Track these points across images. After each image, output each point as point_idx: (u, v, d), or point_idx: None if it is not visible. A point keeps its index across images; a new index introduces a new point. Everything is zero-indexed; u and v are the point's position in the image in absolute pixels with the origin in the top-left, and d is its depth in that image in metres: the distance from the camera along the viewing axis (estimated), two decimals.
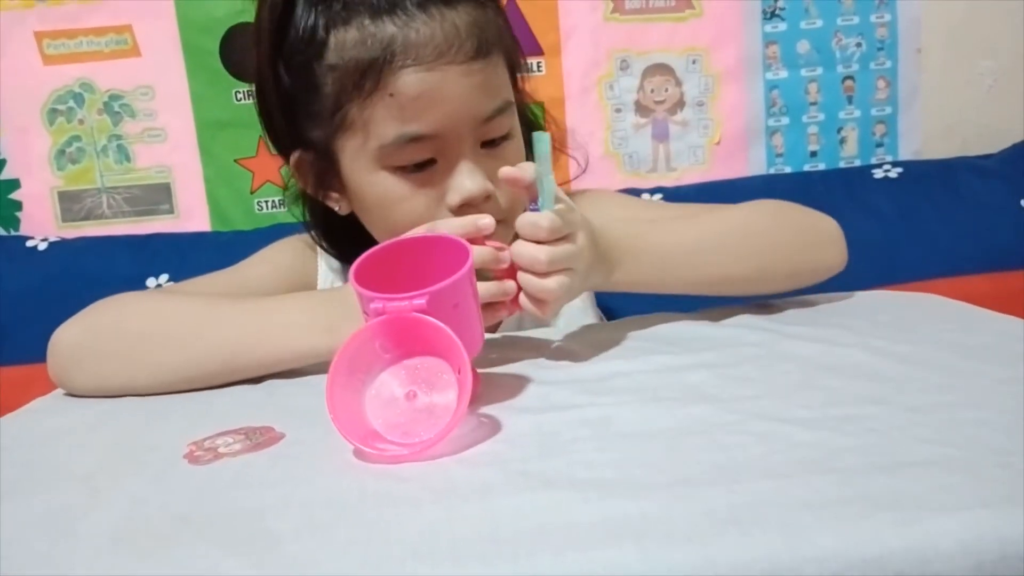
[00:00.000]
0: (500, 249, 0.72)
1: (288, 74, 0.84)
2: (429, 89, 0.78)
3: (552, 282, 0.70)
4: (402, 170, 0.82)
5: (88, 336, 0.81)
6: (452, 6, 0.80)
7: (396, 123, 0.80)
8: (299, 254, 0.99)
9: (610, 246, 0.78)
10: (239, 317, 0.80)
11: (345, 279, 0.97)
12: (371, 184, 0.84)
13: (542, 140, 0.70)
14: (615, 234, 0.79)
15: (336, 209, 0.90)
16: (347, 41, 0.79)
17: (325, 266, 0.99)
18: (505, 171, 0.74)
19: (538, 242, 0.70)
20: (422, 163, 0.82)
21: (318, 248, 0.98)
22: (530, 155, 0.87)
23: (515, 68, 0.90)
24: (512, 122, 0.86)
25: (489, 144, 0.84)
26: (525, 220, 0.71)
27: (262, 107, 0.89)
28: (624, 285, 0.81)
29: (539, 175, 0.70)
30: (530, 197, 0.73)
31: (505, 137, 0.85)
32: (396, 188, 0.83)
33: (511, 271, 0.72)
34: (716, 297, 0.88)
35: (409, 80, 0.78)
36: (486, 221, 0.72)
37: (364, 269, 0.64)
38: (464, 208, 0.81)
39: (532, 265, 0.70)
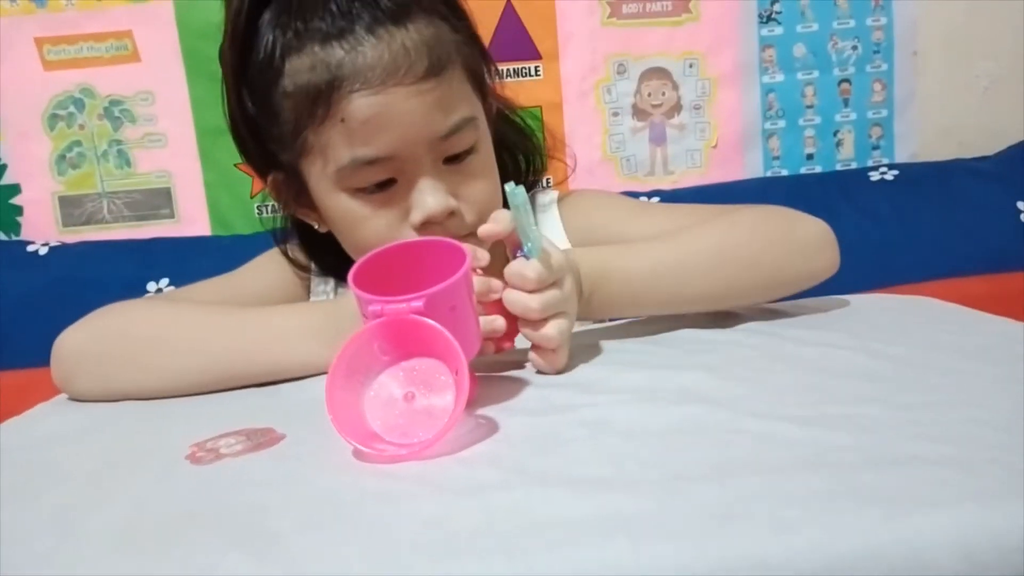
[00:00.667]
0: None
1: (251, 100, 0.85)
2: (378, 113, 0.78)
3: (551, 329, 0.71)
4: (362, 191, 0.82)
5: (93, 341, 0.82)
6: (402, 26, 0.79)
7: (349, 148, 0.80)
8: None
9: (582, 278, 0.77)
10: (241, 325, 0.81)
11: (337, 286, 0.98)
12: (334, 206, 0.84)
13: (516, 195, 0.69)
14: (586, 264, 0.78)
15: (316, 227, 0.91)
16: (300, 68, 0.80)
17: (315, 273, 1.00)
18: (483, 230, 0.73)
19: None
20: (383, 183, 0.82)
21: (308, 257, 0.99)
22: (505, 177, 0.87)
23: (481, 79, 0.89)
24: (476, 136, 0.85)
25: (453, 160, 0.83)
26: (512, 270, 0.71)
27: (234, 131, 0.90)
28: (598, 312, 0.81)
29: (522, 227, 0.70)
30: (512, 245, 0.73)
31: (470, 151, 0.84)
32: (357, 209, 0.83)
33: (500, 305, 0.72)
34: None
35: (358, 104, 0.78)
36: (496, 284, 0.71)
37: (362, 273, 0.65)
38: (427, 225, 0.82)
39: (525, 313, 0.70)
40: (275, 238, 0.99)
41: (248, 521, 0.49)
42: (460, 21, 0.87)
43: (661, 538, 0.42)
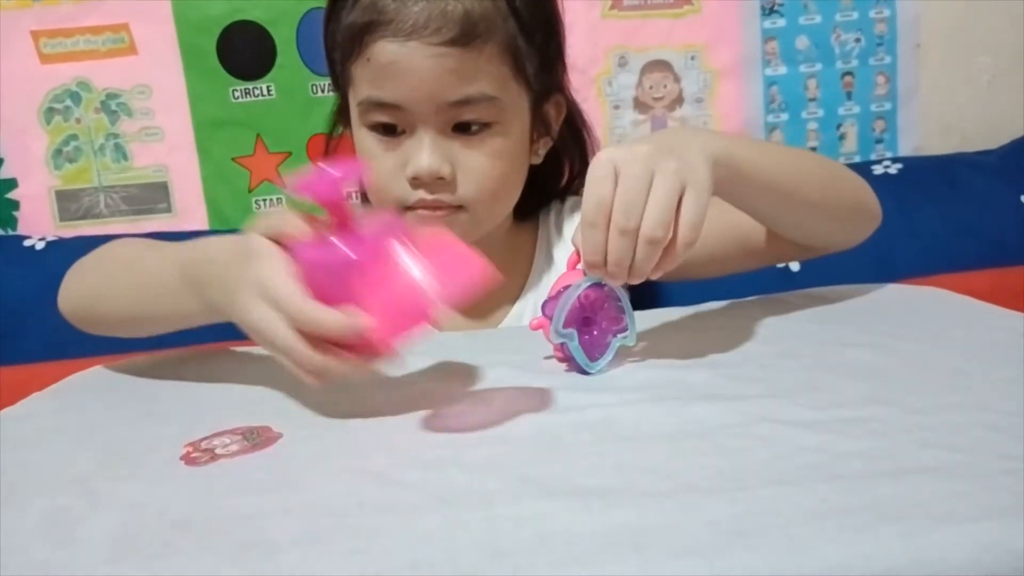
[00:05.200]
0: None
1: (330, 27, 0.92)
2: (395, 60, 0.83)
3: None
4: (376, 129, 0.89)
5: (80, 263, 0.90)
6: None
7: (368, 86, 0.87)
8: None
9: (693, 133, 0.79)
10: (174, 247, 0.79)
11: None
12: (358, 137, 0.92)
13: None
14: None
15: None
16: (360, 6, 0.86)
17: None
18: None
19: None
20: (391, 128, 0.88)
21: None
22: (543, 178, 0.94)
23: (521, 65, 0.89)
24: (498, 116, 0.87)
25: (464, 129, 0.87)
26: None
27: (326, 53, 0.97)
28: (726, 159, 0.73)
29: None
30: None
31: (487, 126, 0.87)
32: (371, 145, 0.89)
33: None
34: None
35: (381, 48, 0.84)
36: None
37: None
38: (415, 182, 0.86)
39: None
40: None
41: (244, 530, 0.48)
42: (529, 11, 0.88)
43: (671, 555, 0.41)
